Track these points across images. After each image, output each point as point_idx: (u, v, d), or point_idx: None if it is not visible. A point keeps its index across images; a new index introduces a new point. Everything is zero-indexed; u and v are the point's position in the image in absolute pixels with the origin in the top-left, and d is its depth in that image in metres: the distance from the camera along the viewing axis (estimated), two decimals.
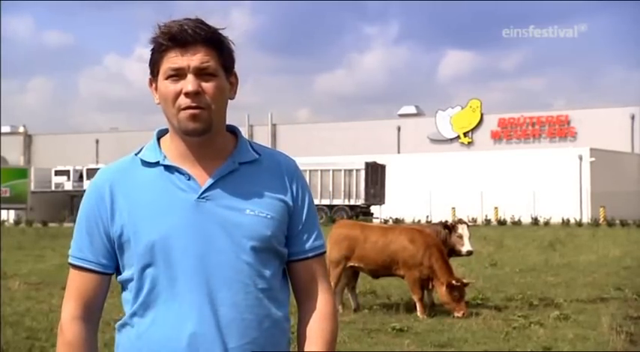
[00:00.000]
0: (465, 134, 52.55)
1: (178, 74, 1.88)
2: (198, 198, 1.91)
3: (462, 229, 10.13)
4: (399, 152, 52.32)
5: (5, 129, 64.86)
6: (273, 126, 58.63)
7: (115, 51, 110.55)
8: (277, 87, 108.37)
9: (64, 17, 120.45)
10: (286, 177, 2.01)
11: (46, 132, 68.20)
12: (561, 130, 50.21)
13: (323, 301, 2.01)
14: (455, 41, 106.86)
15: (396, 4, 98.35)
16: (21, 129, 67.10)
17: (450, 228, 10.18)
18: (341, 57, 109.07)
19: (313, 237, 2.03)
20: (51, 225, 35.95)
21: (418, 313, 9.29)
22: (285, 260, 2.01)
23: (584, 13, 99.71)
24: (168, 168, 1.94)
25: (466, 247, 10.06)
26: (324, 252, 2.08)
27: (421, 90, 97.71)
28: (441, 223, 10.83)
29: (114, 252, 1.96)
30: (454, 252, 10.18)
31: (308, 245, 2.02)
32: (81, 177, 48.52)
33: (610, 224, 33.76)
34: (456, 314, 9.09)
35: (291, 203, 1.99)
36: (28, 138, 67.05)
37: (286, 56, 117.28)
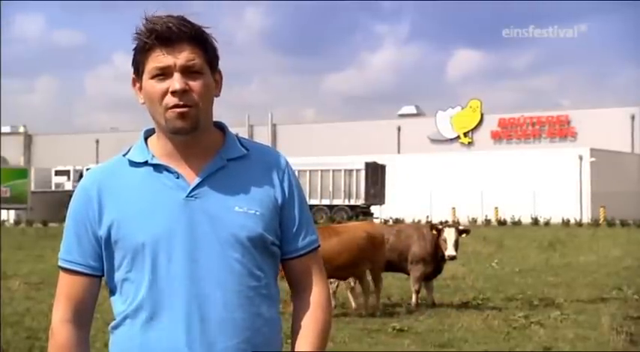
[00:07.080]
0: (465, 134, 52.50)
1: (164, 73, 1.86)
2: (187, 196, 1.90)
3: (448, 233, 9.91)
4: (399, 152, 52.28)
5: (5, 129, 64.83)
6: (274, 126, 58.63)
7: (122, 51, 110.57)
8: (285, 86, 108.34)
9: (72, 17, 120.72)
10: (275, 173, 1.99)
11: (46, 132, 68.19)
12: (561, 130, 50.18)
13: (316, 292, 2.01)
14: (462, 41, 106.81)
15: (407, 3, 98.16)
16: (21, 129, 67.08)
17: (438, 230, 10.02)
18: (349, 57, 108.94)
19: (307, 233, 2.02)
20: (51, 225, 35.87)
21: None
22: (279, 257, 2.00)
23: (584, 13, 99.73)
24: (157, 167, 1.93)
25: (449, 252, 9.84)
26: (318, 247, 2.05)
27: (427, 91, 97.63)
28: (429, 225, 10.71)
29: (103, 254, 1.94)
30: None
31: (302, 242, 2.01)
32: (81, 177, 48.34)
33: (610, 224, 33.69)
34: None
35: (280, 199, 1.97)
36: (28, 138, 67.01)
37: (295, 55, 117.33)
